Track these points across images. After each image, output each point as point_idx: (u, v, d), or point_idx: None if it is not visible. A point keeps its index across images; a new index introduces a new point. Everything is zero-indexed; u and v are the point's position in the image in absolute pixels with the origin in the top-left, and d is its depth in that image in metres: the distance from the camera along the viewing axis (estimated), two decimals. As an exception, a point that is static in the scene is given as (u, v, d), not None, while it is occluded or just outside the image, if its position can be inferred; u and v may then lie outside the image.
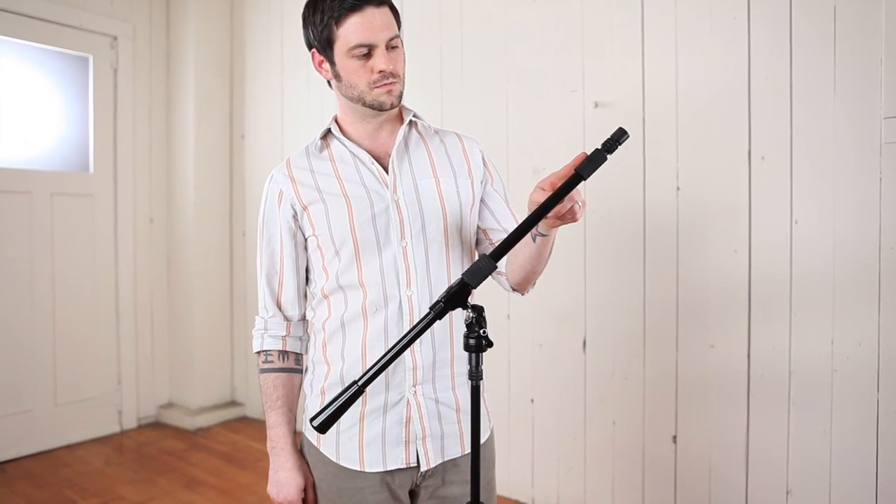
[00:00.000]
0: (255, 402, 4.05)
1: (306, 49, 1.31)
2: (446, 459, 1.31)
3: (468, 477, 1.31)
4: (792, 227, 2.13)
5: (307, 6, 1.25)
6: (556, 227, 1.16)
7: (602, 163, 1.05)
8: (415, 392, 1.27)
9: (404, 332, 1.26)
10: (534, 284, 1.42)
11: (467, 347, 1.04)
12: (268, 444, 1.35)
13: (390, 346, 1.26)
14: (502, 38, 2.82)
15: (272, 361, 1.35)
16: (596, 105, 2.53)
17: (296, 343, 1.38)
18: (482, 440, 1.34)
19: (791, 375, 2.14)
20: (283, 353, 1.36)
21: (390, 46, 1.22)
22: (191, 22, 3.94)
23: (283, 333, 1.36)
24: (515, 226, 1.38)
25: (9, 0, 3.35)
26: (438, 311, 1.01)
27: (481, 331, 1.03)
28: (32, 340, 3.51)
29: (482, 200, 1.39)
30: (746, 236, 2.22)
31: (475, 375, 1.04)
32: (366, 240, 1.26)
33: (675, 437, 2.41)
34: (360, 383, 1.02)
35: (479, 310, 1.04)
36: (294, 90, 3.76)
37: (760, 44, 2.17)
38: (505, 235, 1.37)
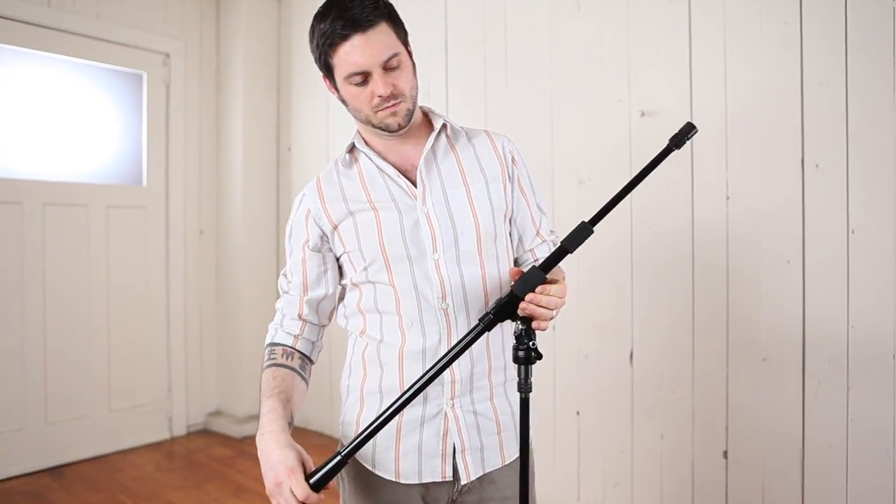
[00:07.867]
0: (300, 413, 4.09)
1: None
2: (486, 472, 1.28)
3: (507, 493, 1.29)
4: (849, 236, 2.06)
5: (309, 34, 1.23)
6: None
7: (587, 237, 1.04)
8: (452, 405, 1.25)
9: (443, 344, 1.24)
10: None
11: (516, 360, 1.03)
12: (257, 435, 1.15)
13: (427, 357, 1.24)
14: (547, 48, 2.81)
15: (275, 358, 1.29)
16: (643, 114, 2.50)
17: (307, 345, 1.34)
18: None
19: (850, 391, 2.06)
20: (289, 352, 1.30)
21: (388, 68, 1.18)
22: (239, 38, 4.04)
23: (297, 333, 1.33)
24: (531, 225, 1.37)
25: (70, 22, 3.50)
26: (488, 322, 1.01)
27: (530, 343, 1.03)
28: (89, 348, 3.62)
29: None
30: (800, 246, 2.16)
31: (524, 388, 1.03)
32: (396, 254, 1.23)
33: (725, 453, 2.34)
34: (343, 454, 1.06)
35: (528, 321, 1.04)
36: (338, 103, 3.80)
37: (814, 48, 2.12)
38: (519, 236, 1.36)
